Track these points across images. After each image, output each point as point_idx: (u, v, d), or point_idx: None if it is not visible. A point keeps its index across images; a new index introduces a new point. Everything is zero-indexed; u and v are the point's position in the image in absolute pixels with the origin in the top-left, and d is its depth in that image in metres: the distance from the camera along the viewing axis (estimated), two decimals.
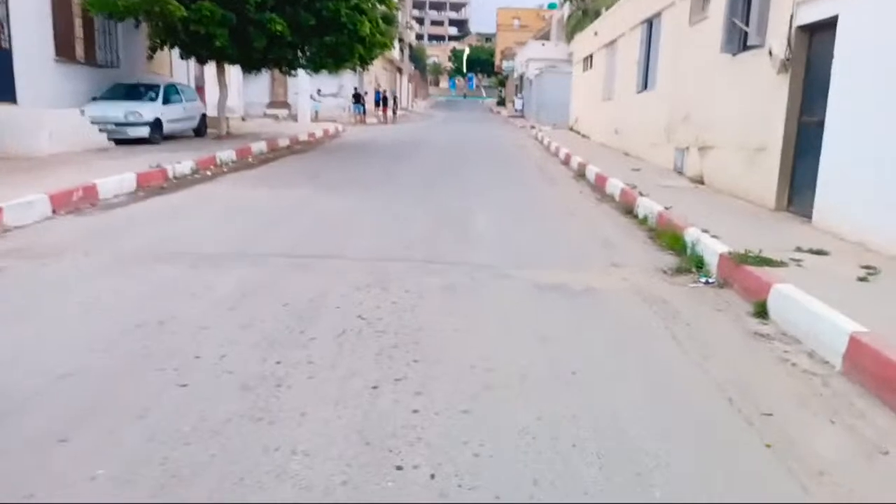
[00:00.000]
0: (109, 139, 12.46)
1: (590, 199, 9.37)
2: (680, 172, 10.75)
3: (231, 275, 4.85)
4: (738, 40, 8.53)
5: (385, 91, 31.92)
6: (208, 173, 10.65)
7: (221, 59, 14.37)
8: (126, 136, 12.75)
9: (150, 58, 13.54)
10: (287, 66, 15.44)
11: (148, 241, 5.84)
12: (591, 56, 20.13)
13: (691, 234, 6.00)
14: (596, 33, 18.69)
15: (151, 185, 9.03)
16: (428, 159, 14.27)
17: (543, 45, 40.34)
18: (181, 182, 9.64)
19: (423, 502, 2.20)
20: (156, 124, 13.23)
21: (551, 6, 68.33)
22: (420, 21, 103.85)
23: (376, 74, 42.11)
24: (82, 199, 7.41)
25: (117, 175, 8.55)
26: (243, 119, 22.88)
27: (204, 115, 15.61)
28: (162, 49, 13.63)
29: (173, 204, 7.96)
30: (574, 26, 26.56)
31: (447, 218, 7.46)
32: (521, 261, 5.66)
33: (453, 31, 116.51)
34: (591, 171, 11.41)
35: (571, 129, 23.63)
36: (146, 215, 7.20)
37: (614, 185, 9.54)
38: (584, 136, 20.78)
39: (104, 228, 6.44)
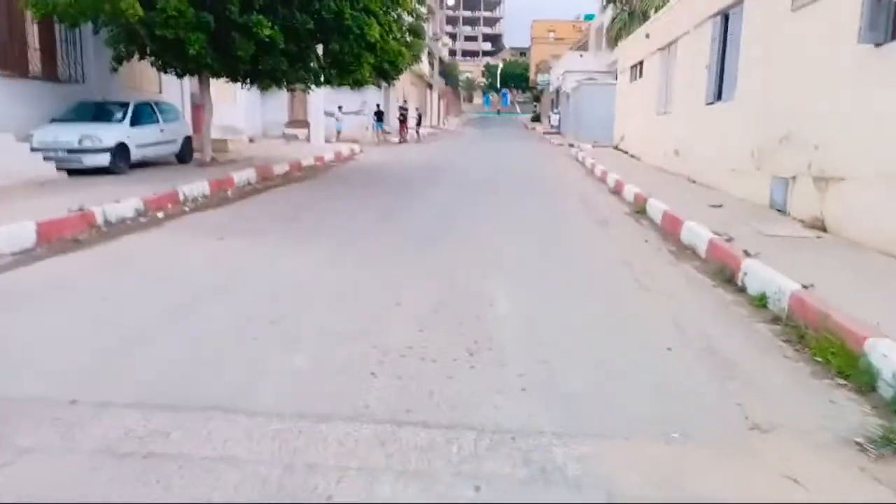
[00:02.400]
0: (60, 169, 10.28)
1: (661, 255, 6.65)
2: (781, 211, 7.95)
3: None
4: (887, 24, 5.78)
5: (404, 107, 29.38)
6: (159, 215, 8.29)
7: (199, 70, 12.12)
8: (81, 166, 10.56)
9: (115, 70, 11.36)
10: (283, 78, 13.14)
11: None
12: (640, 63, 17.38)
13: (884, 356, 3.29)
14: (647, 36, 15.97)
15: (62, 238, 6.67)
16: (446, 191, 11.71)
17: (581, 55, 37.68)
18: (111, 231, 7.27)
19: None
20: (119, 150, 11.01)
21: (588, 17, 65.65)
22: (453, 37, 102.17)
23: (404, 90, 40.04)
24: None
25: (5, 226, 6.21)
26: (250, 140, 20.79)
27: (189, 139, 13.38)
28: (128, 59, 11.44)
29: (64, 273, 5.55)
30: (618, 31, 23.90)
31: (452, 301, 4.86)
32: (575, 420, 3.02)
33: (487, 46, 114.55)
34: (655, 208, 8.69)
35: (616, 147, 20.85)
36: None
37: (695, 233, 6.82)
38: (632, 156, 17.98)
39: None
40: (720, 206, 8.53)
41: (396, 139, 29.61)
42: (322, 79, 13.80)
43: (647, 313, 4.71)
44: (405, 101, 35.40)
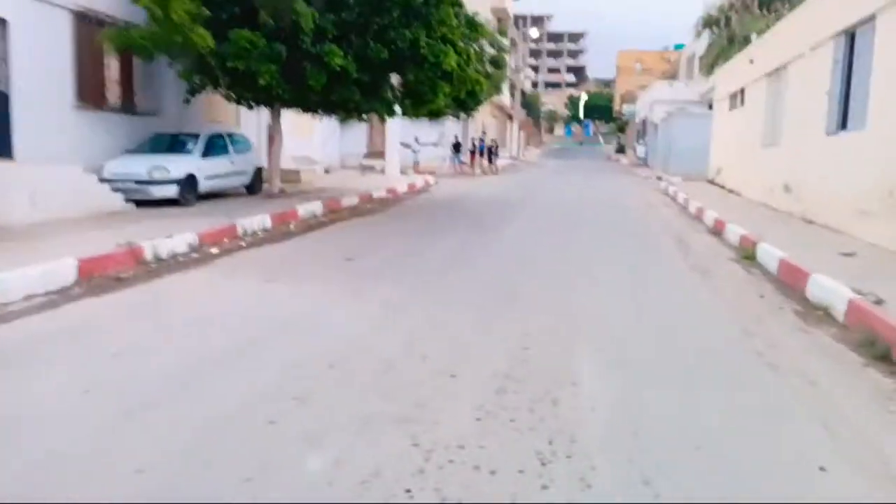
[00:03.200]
0: (129, 200, 10.12)
1: (784, 317, 5.39)
2: None
3: None
4: None
5: (478, 138, 28.63)
6: (213, 251, 7.79)
7: (270, 101, 11.85)
8: (149, 197, 10.38)
9: (187, 101, 11.24)
10: (356, 109, 12.70)
11: None
12: (741, 91, 15.89)
13: None
14: (751, 61, 14.52)
15: (104, 275, 6.21)
16: (522, 230, 10.74)
17: (671, 85, 35.97)
18: (159, 268, 6.79)
19: None
20: (188, 181, 10.79)
21: (678, 47, 63.39)
22: (536, 69, 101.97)
23: (484, 122, 39.61)
24: None
25: (46, 264, 5.79)
26: (326, 171, 20.68)
27: (259, 170, 13.13)
28: (200, 91, 11.30)
29: (87, 318, 4.99)
30: (715, 58, 22.34)
31: (522, 375, 3.88)
32: None
33: (570, 77, 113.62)
34: (768, 254, 7.38)
35: (712, 181, 19.22)
36: None
37: (827, 290, 5.52)
38: (730, 191, 16.39)
39: None
40: (852, 254, 7.12)
41: (476, 171, 28.97)
42: (396, 109, 13.26)
43: (780, 406, 3.56)
44: (483, 133, 34.87)
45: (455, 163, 27.00)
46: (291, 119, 18.51)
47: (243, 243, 8.48)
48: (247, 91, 11.24)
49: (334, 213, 11.89)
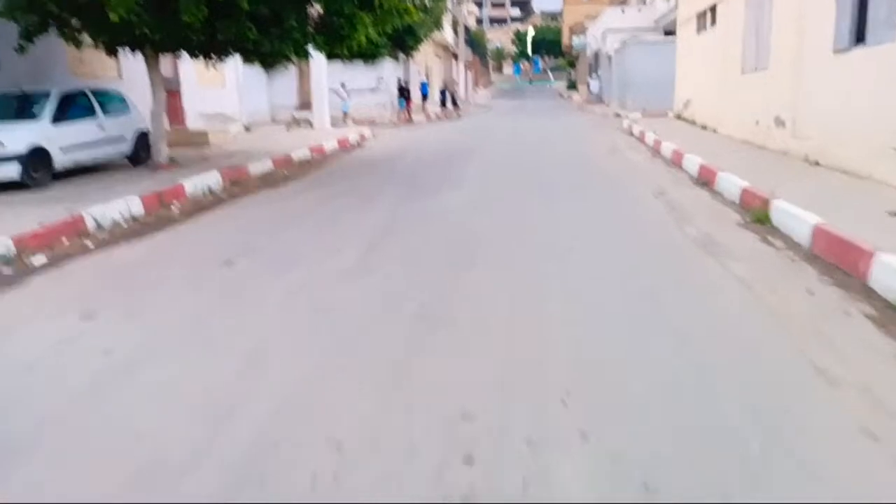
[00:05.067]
0: None
1: (853, 324, 3.57)
2: None
3: None
4: None
5: (420, 82, 25.78)
6: (35, 261, 5.53)
7: (137, 44, 9.29)
8: None
9: (21, 49, 8.54)
10: (255, 52, 10.20)
11: None
12: (712, 8, 13.84)
13: None
14: None
15: None
16: (468, 193, 8.68)
17: (623, 11, 33.70)
18: None
19: None
20: (34, 156, 8.30)
21: None
22: (479, 5, 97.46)
23: (427, 63, 36.80)
24: None
25: None
26: (247, 129, 18.01)
27: (145, 135, 10.58)
28: (37, 34, 8.61)
29: None
30: None
31: (473, 444, 1.92)
32: None
33: (515, 12, 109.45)
34: (790, 216, 5.56)
35: (679, 117, 17.37)
36: None
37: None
38: (703, 127, 14.56)
39: None
40: None
41: (423, 118, 26.53)
42: (308, 49, 10.80)
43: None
44: (426, 76, 32.24)
45: (402, 110, 24.45)
46: (197, 69, 15.78)
47: (90, 243, 6.20)
48: (100, 31, 8.64)
49: (238, 186, 9.57)
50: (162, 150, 10.15)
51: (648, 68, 23.43)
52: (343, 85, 22.74)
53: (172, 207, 7.89)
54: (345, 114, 22.64)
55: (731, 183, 7.39)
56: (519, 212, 7.06)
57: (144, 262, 5.59)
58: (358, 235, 6.07)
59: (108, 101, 10.11)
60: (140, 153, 10.57)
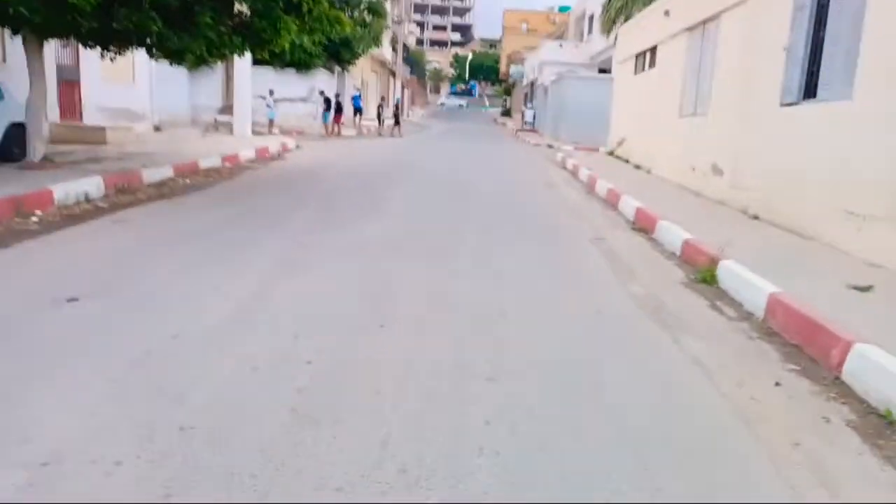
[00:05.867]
0: None
1: (848, 448, 2.90)
2: None
3: None
4: None
5: (338, 95, 24.48)
6: None
7: (12, 25, 7.95)
8: None
9: None
10: (159, 46, 9.00)
11: None
12: (651, 49, 13.70)
13: None
14: (667, 13, 12.23)
15: None
16: (385, 226, 7.79)
17: (561, 45, 34.08)
18: None
19: None
20: None
21: (563, 9, 62.16)
22: (421, 26, 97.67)
23: (363, 77, 35.93)
24: None
25: None
26: (156, 129, 16.47)
27: (17, 127, 9.09)
28: None
29: None
30: (617, 12, 20.18)
31: None
32: None
33: (456, 36, 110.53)
34: (741, 281, 4.99)
35: (612, 154, 17.19)
36: None
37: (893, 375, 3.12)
38: (637, 166, 14.33)
39: None
40: (868, 287, 4.83)
41: (354, 132, 25.51)
42: (222, 49, 9.68)
43: None
44: (357, 90, 31.36)
45: (326, 123, 23.32)
46: (102, 60, 14.17)
47: None
48: None
49: (126, 194, 8.30)
50: (37, 148, 8.71)
51: (583, 102, 23.48)
52: (271, 92, 21.51)
53: (33, 218, 6.59)
54: (270, 122, 21.39)
55: (672, 233, 6.86)
56: (444, 254, 6.20)
57: None
58: (245, 273, 5.04)
59: None
60: (12, 149, 9.09)
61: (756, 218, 7.89)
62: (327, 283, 4.93)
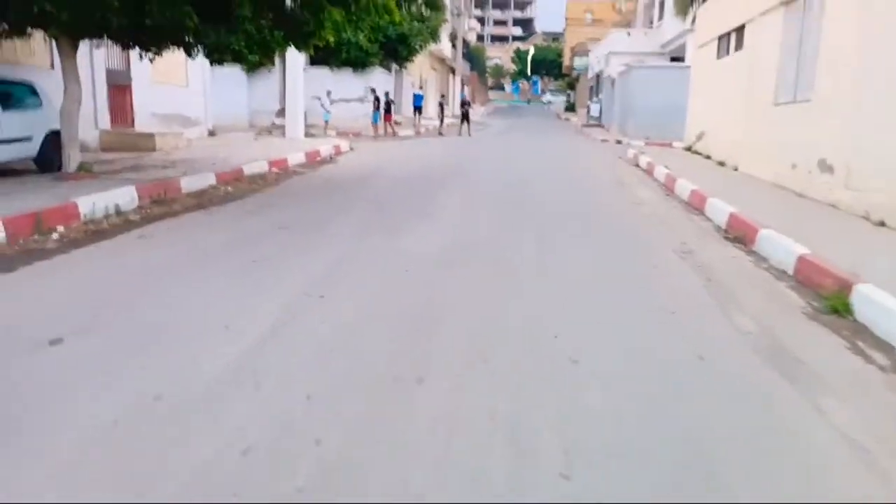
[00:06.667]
0: None
1: None
2: None
3: None
4: None
5: (387, 94, 23.46)
6: None
7: (41, 25, 7.50)
8: None
9: None
10: (197, 44, 8.45)
11: None
12: (739, 29, 12.25)
13: None
14: None
15: None
16: (445, 229, 6.91)
17: (629, 34, 32.33)
18: None
19: None
20: None
21: None
22: (482, 21, 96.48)
23: (422, 75, 35.24)
24: None
25: None
26: (211, 133, 16.20)
27: (54, 135, 8.71)
28: None
29: None
30: None
31: None
32: None
33: (517, 31, 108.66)
34: (885, 311, 3.80)
35: (690, 149, 15.73)
36: None
37: None
38: (720, 163, 12.91)
39: None
40: None
41: (412, 132, 24.81)
42: (264, 46, 9.04)
43: None
44: (421, 88, 30.71)
45: (376, 124, 22.56)
46: (155, 63, 13.93)
47: None
48: None
49: (161, 205, 7.76)
50: (72, 157, 8.29)
51: (653, 94, 21.90)
52: (328, 93, 21.02)
53: (53, 235, 6.05)
54: (326, 123, 20.92)
55: (780, 246, 5.66)
56: (500, 277, 5.23)
57: None
58: (262, 305, 4.23)
59: (12, 94, 8.27)
60: (52, 157, 8.72)
61: (882, 225, 6.54)
62: (357, 317, 4.07)
